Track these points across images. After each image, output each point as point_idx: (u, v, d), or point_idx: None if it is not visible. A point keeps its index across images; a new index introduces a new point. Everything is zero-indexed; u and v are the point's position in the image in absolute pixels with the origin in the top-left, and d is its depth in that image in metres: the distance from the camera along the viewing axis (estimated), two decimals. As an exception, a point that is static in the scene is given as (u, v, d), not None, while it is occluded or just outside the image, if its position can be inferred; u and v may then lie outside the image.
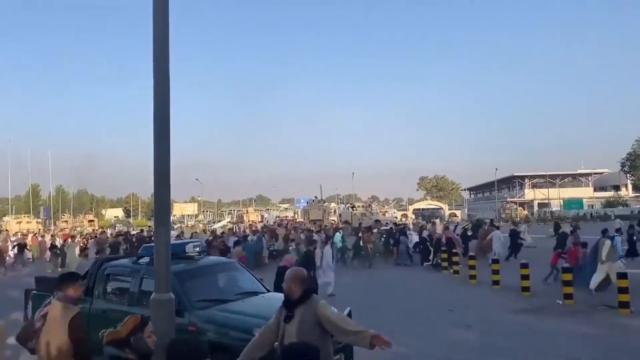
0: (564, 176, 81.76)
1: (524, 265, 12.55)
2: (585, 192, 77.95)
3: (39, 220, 57.41)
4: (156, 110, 4.65)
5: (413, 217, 57.26)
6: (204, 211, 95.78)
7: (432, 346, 7.94)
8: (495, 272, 13.42)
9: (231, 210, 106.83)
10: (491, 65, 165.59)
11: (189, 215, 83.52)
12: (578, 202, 70.63)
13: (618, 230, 17.57)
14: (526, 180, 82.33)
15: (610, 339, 8.10)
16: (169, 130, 4.71)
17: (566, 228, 18.58)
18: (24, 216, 58.71)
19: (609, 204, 67.41)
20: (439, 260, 17.80)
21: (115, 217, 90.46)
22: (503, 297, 11.96)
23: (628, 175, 70.37)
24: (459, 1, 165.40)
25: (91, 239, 27.41)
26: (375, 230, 23.22)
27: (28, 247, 26.56)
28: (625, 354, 7.36)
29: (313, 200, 48.88)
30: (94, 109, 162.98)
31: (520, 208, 71.62)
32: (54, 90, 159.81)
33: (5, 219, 56.89)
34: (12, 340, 8.54)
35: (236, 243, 21.06)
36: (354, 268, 18.93)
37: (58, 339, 3.91)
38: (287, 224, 38.89)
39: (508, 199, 78.10)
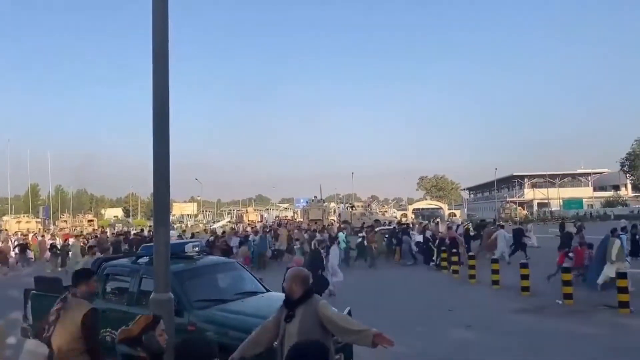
0: (563, 176, 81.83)
1: (524, 265, 12.57)
2: (584, 192, 78.02)
3: (39, 220, 57.36)
4: (155, 110, 4.66)
5: (413, 216, 57.23)
6: (203, 211, 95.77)
7: (432, 346, 7.95)
8: (495, 271, 13.42)
9: (231, 210, 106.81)
10: (491, 65, 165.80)
11: (188, 215, 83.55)
12: (578, 202, 70.65)
13: (623, 229, 17.55)
14: (526, 180, 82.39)
15: (610, 338, 8.09)
16: (168, 130, 4.72)
17: (570, 228, 18.53)
18: (24, 216, 58.68)
19: (609, 203, 67.42)
20: (440, 261, 17.82)
21: (114, 216, 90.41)
22: (503, 296, 11.96)
23: (627, 175, 70.46)
24: (458, 1, 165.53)
25: (91, 238, 27.40)
26: (377, 230, 23.22)
27: (30, 247, 26.53)
28: (625, 354, 7.36)
29: (313, 200, 48.92)
30: (94, 108, 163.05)
31: (520, 208, 71.64)
32: (53, 90, 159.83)
33: (5, 218, 56.84)
34: (12, 339, 8.57)
35: (241, 243, 21.07)
36: (357, 268, 18.91)
37: (70, 333, 3.95)
38: (286, 223, 38.91)
39: (508, 199, 78.10)
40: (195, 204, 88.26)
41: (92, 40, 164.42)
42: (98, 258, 9.52)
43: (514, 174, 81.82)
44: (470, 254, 16.35)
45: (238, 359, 3.78)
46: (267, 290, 7.04)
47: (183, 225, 59.57)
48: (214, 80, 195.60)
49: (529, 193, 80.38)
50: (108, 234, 34.11)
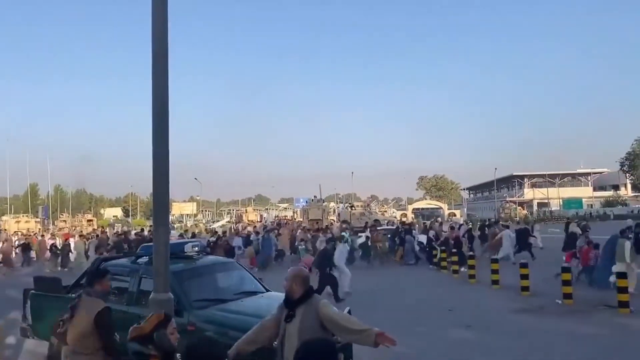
0: (563, 176, 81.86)
1: (523, 265, 12.56)
2: (584, 192, 78.03)
3: (38, 219, 57.34)
4: (155, 110, 4.65)
5: (412, 216, 57.21)
6: (202, 211, 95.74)
7: (432, 346, 7.94)
8: (495, 271, 13.41)
9: (230, 210, 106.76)
10: (490, 65, 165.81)
11: (187, 215, 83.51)
12: (577, 202, 70.64)
13: (628, 229, 17.48)
14: (525, 179, 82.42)
15: (610, 338, 8.09)
16: (167, 129, 4.71)
17: (574, 228, 18.46)
18: (23, 216, 58.67)
19: (608, 203, 67.42)
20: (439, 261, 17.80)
21: (114, 216, 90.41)
22: (502, 296, 11.95)
23: (627, 174, 70.48)
24: (458, 3, 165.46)
25: (91, 238, 27.37)
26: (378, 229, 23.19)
27: (32, 247, 26.50)
28: (625, 354, 7.36)
29: (312, 200, 48.78)
30: (93, 108, 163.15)
31: (520, 208, 71.66)
32: (52, 90, 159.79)
33: (4, 218, 56.85)
34: (11, 339, 8.56)
35: (247, 243, 21.04)
36: (358, 267, 18.86)
37: (83, 331, 4.03)
38: (285, 223, 38.84)
39: (507, 199, 78.16)
40: (195, 203, 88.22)
41: (91, 39, 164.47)
42: (97, 258, 9.51)
43: (514, 173, 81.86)
44: (470, 253, 16.32)
45: (234, 356, 3.78)
46: (267, 290, 7.03)
47: (182, 225, 59.53)
48: (213, 80, 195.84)
49: (528, 193, 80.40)
50: (108, 233, 34.06)
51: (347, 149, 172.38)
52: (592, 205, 71.12)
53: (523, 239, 19.49)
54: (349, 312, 5.77)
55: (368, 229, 22.10)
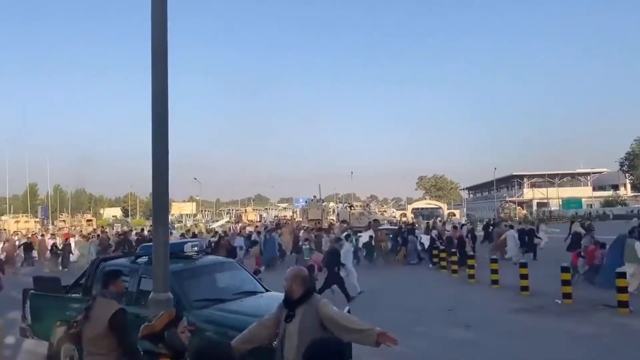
0: (562, 175, 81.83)
1: (523, 265, 12.56)
2: (584, 192, 78.00)
3: (37, 219, 57.31)
4: (155, 110, 4.64)
5: (412, 216, 57.22)
6: (202, 210, 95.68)
7: (432, 346, 7.95)
8: (494, 271, 13.42)
9: (229, 210, 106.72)
10: (490, 65, 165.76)
11: (187, 215, 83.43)
12: (577, 202, 70.65)
13: (636, 228, 17.45)
14: (525, 179, 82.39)
15: (609, 338, 8.10)
16: (167, 129, 4.70)
17: (577, 227, 18.46)
18: (22, 215, 58.64)
19: (608, 203, 67.46)
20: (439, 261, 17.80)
21: (113, 216, 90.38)
22: (502, 296, 11.96)
23: (627, 174, 70.36)
24: (458, 3, 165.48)
25: (91, 238, 27.36)
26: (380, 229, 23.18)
27: (34, 247, 26.48)
28: (625, 354, 7.36)
29: (312, 200, 48.81)
30: (93, 108, 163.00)
31: (519, 208, 71.64)
32: (52, 90, 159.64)
33: (4, 218, 56.83)
34: (10, 339, 8.55)
35: (252, 243, 21.05)
36: (359, 267, 18.86)
37: (99, 333, 4.11)
38: (285, 223, 38.83)
39: (507, 199, 78.17)
40: (194, 203, 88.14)
41: (91, 39, 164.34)
42: (96, 258, 9.50)
43: (513, 173, 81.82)
44: (470, 253, 16.32)
45: None
46: (266, 290, 7.03)
47: (182, 225, 59.50)
48: (213, 80, 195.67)
49: (528, 193, 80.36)
50: (108, 234, 34.04)
51: (347, 149, 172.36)
52: (591, 205, 71.10)
53: (529, 240, 19.49)
54: (349, 311, 5.78)
55: (372, 229, 22.12)
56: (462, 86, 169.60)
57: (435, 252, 18.83)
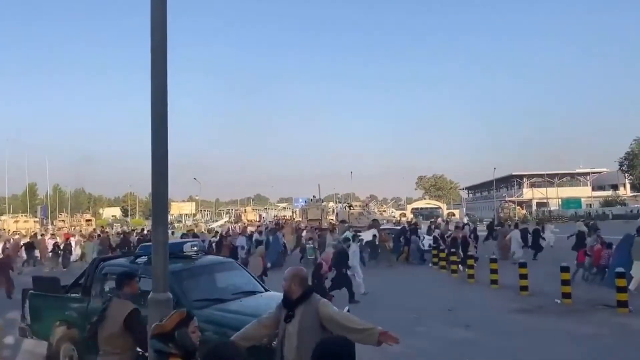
0: (562, 175, 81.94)
1: (522, 265, 12.56)
2: (583, 192, 78.08)
3: (36, 219, 57.28)
4: (154, 109, 4.63)
5: (412, 216, 57.18)
6: (201, 210, 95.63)
7: (432, 345, 7.94)
8: (494, 271, 13.42)
9: (229, 210, 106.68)
10: (490, 65, 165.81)
11: (186, 215, 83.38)
12: (576, 202, 70.68)
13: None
14: (524, 179, 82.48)
15: (609, 338, 8.10)
16: (166, 129, 4.69)
17: (581, 227, 18.44)
18: (21, 215, 58.61)
19: (607, 203, 67.47)
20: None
21: (112, 216, 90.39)
22: (501, 296, 11.96)
23: (626, 174, 70.41)
24: (458, 1, 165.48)
25: (96, 238, 27.35)
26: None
27: (36, 246, 26.45)
28: (624, 354, 7.36)
29: (311, 200, 48.76)
30: (92, 108, 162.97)
31: (519, 207, 71.67)
32: (51, 90, 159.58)
33: (3, 218, 56.79)
34: (10, 339, 8.55)
35: (258, 243, 21.05)
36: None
37: (114, 332, 4.22)
38: (284, 222, 38.79)
39: (506, 199, 78.19)
40: (194, 203, 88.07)
41: (90, 39, 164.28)
42: (96, 258, 9.49)
43: (513, 173, 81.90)
44: (470, 253, 16.32)
45: None
46: (266, 290, 7.02)
47: (182, 224, 59.48)
48: (213, 79, 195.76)
49: (527, 193, 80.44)
50: (109, 233, 34.01)
51: (347, 149, 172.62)
52: (591, 205, 71.15)
53: (534, 239, 19.46)
54: (348, 311, 5.77)
55: (373, 229, 22.08)
56: (462, 85, 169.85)
57: (434, 252, 18.83)
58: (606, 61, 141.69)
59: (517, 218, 50.63)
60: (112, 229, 47.41)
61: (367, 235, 21.05)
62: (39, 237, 29.39)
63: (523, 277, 12.15)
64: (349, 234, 20.89)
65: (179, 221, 71.02)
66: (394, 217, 48.26)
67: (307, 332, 3.49)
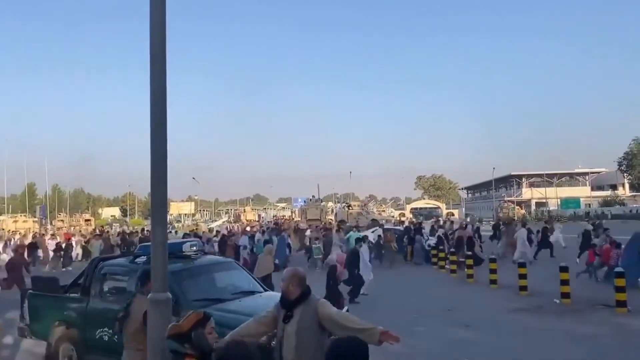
0: (561, 175, 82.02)
1: (522, 265, 12.57)
2: (582, 192, 78.15)
3: (35, 219, 57.18)
4: (153, 109, 4.62)
5: (411, 216, 57.21)
6: (200, 210, 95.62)
7: (431, 345, 7.94)
8: (493, 271, 13.42)
9: (228, 210, 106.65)
10: (489, 65, 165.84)
11: (185, 215, 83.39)
12: (575, 202, 70.76)
13: None
14: (523, 179, 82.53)
15: (608, 338, 8.10)
16: (165, 128, 4.68)
17: (587, 226, 18.43)
18: (20, 215, 58.51)
19: (606, 203, 67.51)
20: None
21: (111, 216, 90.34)
22: (501, 296, 11.97)
23: (625, 174, 70.54)
24: (458, 3, 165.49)
25: (99, 238, 27.31)
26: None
27: (39, 246, 26.42)
28: (623, 353, 7.36)
29: (310, 200, 48.76)
30: (91, 108, 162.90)
31: (518, 207, 71.69)
32: (50, 90, 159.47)
33: (2, 218, 56.67)
34: (9, 339, 8.54)
35: (266, 242, 21.05)
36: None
37: (136, 328, 4.41)
38: (283, 222, 38.75)
39: (505, 198, 78.19)
40: (193, 203, 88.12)
41: (90, 38, 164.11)
42: (95, 257, 9.49)
43: (512, 173, 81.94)
44: (469, 253, 16.33)
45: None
46: (265, 290, 7.03)
47: (181, 224, 59.47)
48: (212, 80, 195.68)
49: (526, 192, 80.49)
50: (109, 233, 33.97)
51: (346, 149, 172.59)
52: (589, 205, 71.20)
53: (542, 238, 19.46)
54: (347, 311, 5.77)
55: (373, 228, 22.06)
56: (462, 86, 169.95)
57: (434, 251, 18.82)
58: (605, 62, 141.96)
59: (516, 218, 50.60)
60: (112, 229, 47.35)
61: (368, 235, 21.05)
62: (38, 237, 29.38)
63: (522, 277, 12.16)
64: (353, 234, 20.93)
65: (178, 221, 71.03)
66: (392, 217, 48.27)
67: (306, 333, 3.49)
